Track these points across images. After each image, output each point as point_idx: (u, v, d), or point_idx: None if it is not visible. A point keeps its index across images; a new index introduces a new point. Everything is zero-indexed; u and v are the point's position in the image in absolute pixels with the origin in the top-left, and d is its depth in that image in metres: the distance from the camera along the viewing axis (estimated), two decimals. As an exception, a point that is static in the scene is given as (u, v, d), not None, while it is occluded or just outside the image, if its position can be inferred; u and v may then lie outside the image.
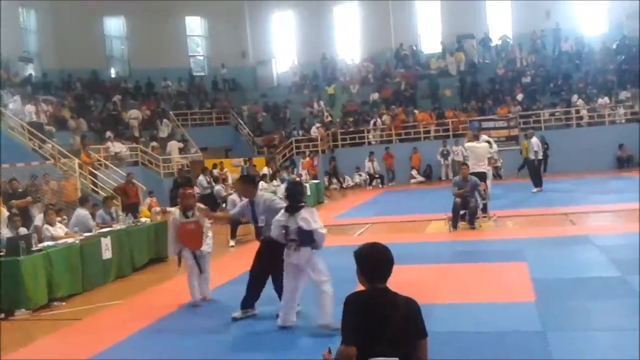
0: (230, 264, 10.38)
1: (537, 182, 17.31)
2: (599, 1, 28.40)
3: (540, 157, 17.31)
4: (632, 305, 6.37)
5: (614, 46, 27.25)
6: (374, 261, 3.27)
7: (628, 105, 23.57)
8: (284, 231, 6.33)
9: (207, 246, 8.02)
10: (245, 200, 7.41)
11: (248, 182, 7.48)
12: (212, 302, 8.01)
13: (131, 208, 14.82)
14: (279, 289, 6.92)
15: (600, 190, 16.48)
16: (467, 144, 14.97)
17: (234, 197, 13.54)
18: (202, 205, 8.37)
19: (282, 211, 6.43)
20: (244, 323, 6.94)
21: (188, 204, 7.98)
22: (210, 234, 8.14)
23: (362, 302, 3.24)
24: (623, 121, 23.42)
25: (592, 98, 24.56)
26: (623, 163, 22.13)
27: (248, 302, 7.14)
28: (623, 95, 24.13)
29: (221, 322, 7.08)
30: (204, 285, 8.06)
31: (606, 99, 24.05)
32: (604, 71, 26.06)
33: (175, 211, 8.10)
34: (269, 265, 6.99)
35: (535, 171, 17.45)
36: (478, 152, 14.27)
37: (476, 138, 14.97)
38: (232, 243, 12.72)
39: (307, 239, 6.28)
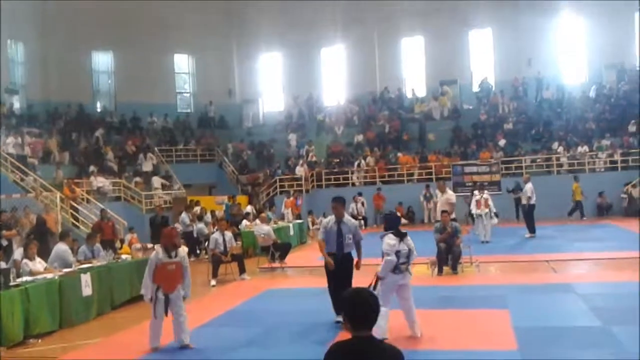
0: (211, 304, 10.27)
1: (531, 227, 17.47)
2: (578, 51, 29.26)
3: (533, 202, 17.44)
4: (612, 356, 6.41)
5: (593, 95, 27.93)
6: (359, 308, 3.22)
7: (607, 154, 23.99)
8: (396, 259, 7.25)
9: (187, 289, 7.73)
10: (327, 220, 8.74)
11: (342, 204, 8.69)
12: (193, 342, 7.86)
13: (106, 245, 14.63)
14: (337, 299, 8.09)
15: (581, 237, 16.67)
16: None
17: (217, 235, 13.52)
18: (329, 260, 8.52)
19: (391, 237, 7.36)
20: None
21: (173, 243, 7.71)
22: (189, 276, 7.81)
23: (345, 353, 3.19)
24: (602, 169, 23.81)
25: (572, 145, 25.01)
26: (603, 210, 22.41)
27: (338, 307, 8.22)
28: (602, 143, 24.59)
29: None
30: (181, 329, 7.59)
31: (586, 147, 24.48)
32: (584, 119, 26.61)
33: (157, 249, 7.74)
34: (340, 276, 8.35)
35: (529, 216, 17.58)
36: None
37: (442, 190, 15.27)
38: (213, 282, 12.59)
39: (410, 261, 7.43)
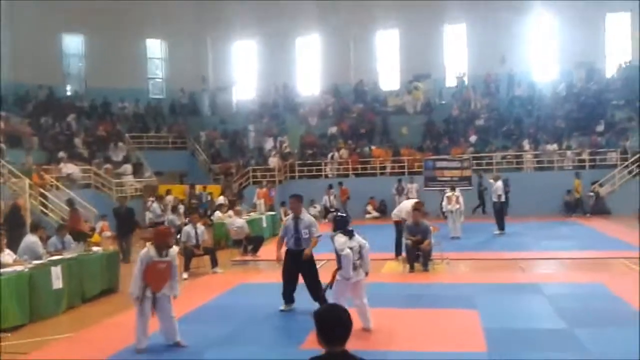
0: (183, 298, 10.14)
1: (501, 224, 17.73)
2: (550, 49, 29.68)
3: (503, 199, 17.74)
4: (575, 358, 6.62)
5: (563, 92, 28.39)
6: (332, 324, 3.27)
7: (575, 152, 24.44)
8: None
9: (176, 290, 7.63)
10: (287, 218, 9.47)
11: (300, 201, 9.45)
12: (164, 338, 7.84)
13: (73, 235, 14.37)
14: (313, 291, 8.93)
15: (548, 236, 16.98)
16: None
17: (189, 228, 13.46)
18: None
19: (341, 236, 7.78)
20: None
21: (167, 243, 7.59)
22: (177, 274, 7.78)
23: None
24: (570, 167, 24.25)
25: (541, 143, 25.39)
26: (570, 208, 22.85)
27: (287, 297, 9.22)
28: (571, 142, 25.03)
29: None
30: (172, 328, 7.55)
31: (555, 146, 24.90)
32: (554, 117, 27.04)
33: (149, 248, 7.54)
34: (297, 270, 9.12)
35: (499, 214, 17.83)
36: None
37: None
38: (185, 276, 12.54)
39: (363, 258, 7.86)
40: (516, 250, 14.53)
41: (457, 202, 17.22)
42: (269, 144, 28.46)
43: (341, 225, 7.99)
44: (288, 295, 9.24)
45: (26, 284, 9.11)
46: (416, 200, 14.59)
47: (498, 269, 12.37)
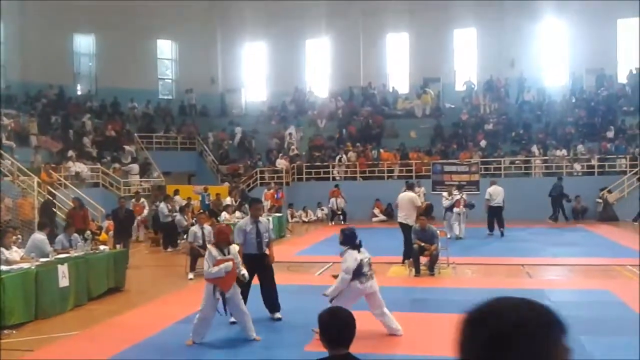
0: (188, 298, 10.24)
1: (491, 226, 18.59)
2: (560, 54, 29.57)
3: (491, 204, 18.43)
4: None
5: (573, 99, 28.28)
6: (336, 326, 3.29)
7: (584, 159, 24.34)
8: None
9: (243, 271, 7.77)
10: (244, 221, 9.05)
11: (261, 205, 9.61)
12: (171, 338, 7.87)
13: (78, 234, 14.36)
14: (269, 297, 8.74)
15: (555, 242, 16.90)
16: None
17: (195, 228, 13.47)
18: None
19: (351, 253, 7.44)
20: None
21: (227, 240, 7.73)
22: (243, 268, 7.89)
23: None
24: (580, 174, 24.16)
25: (550, 149, 25.31)
26: (578, 214, 22.76)
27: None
28: (579, 149, 24.93)
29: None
30: (246, 325, 7.62)
31: (564, 151, 24.81)
32: (563, 123, 26.95)
33: (210, 248, 7.65)
34: (255, 273, 8.59)
35: (490, 216, 18.60)
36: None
37: (410, 188, 14.30)
38: (191, 276, 12.57)
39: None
40: (523, 255, 14.47)
41: (465, 204, 17.59)
42: (277, 145, 28.48)
43: (350, 240, 7.61)
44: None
45: (33, 282, 9.15)
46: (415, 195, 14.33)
47: (504, 274, 12.33)
